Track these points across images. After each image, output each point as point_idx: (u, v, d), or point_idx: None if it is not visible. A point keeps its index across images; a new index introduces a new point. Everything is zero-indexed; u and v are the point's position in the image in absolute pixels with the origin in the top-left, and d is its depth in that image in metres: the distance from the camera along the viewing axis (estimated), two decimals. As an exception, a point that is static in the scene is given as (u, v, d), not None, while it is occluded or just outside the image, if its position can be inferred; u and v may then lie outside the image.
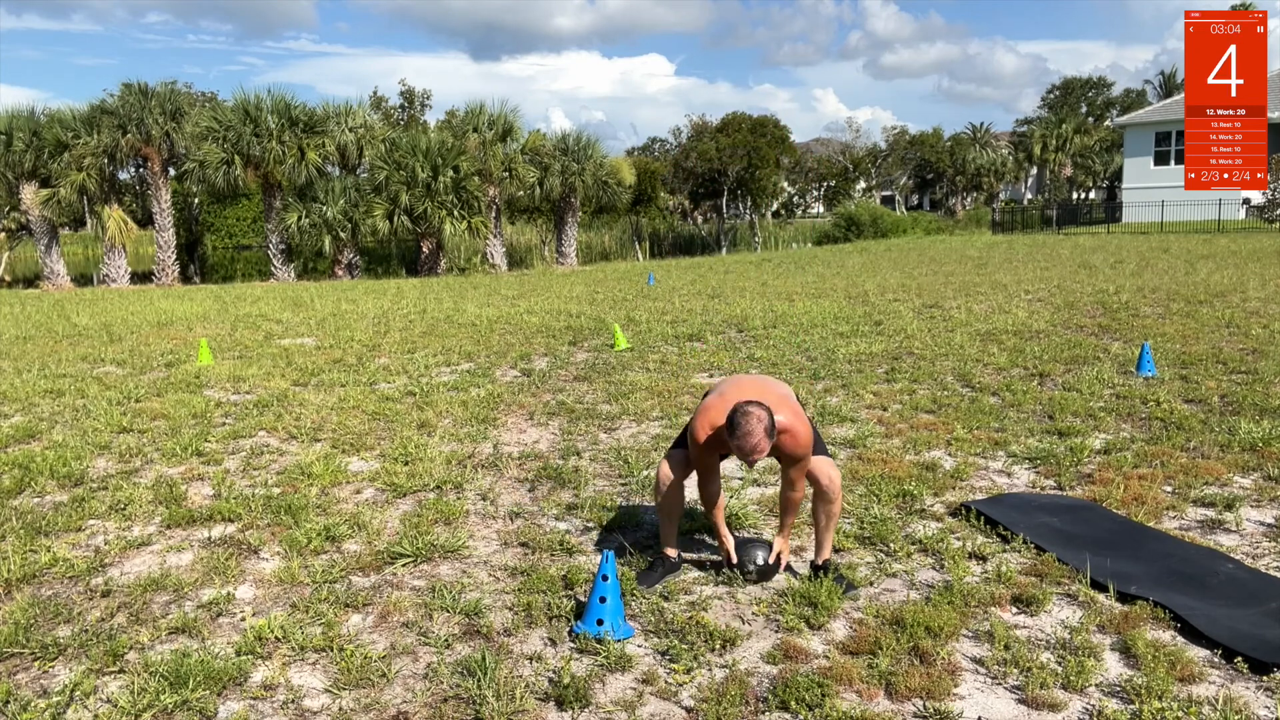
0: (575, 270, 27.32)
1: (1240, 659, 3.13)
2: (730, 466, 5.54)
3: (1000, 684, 3.07)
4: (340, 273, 26.58)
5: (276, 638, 3.47)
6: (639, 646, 3.39)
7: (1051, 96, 68.93)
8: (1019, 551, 4.15)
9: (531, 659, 3.32)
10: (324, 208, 25.65)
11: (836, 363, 8.71)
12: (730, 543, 3.93)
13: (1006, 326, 10.54)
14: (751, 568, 3.87)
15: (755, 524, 4.60)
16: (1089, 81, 68.37)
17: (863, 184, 64.20)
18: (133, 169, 28.25)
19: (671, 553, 3.99)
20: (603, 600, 3.39)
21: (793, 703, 2.94)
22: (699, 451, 3.77)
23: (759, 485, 5.22)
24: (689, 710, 2.98)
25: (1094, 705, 2.93)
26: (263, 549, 4.42)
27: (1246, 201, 33.34)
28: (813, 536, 4.18)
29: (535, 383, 8.33)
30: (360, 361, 9.71)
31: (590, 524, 4.67)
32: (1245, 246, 22.36)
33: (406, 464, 5.73)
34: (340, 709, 3.03)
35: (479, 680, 3.09)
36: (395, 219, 25.78)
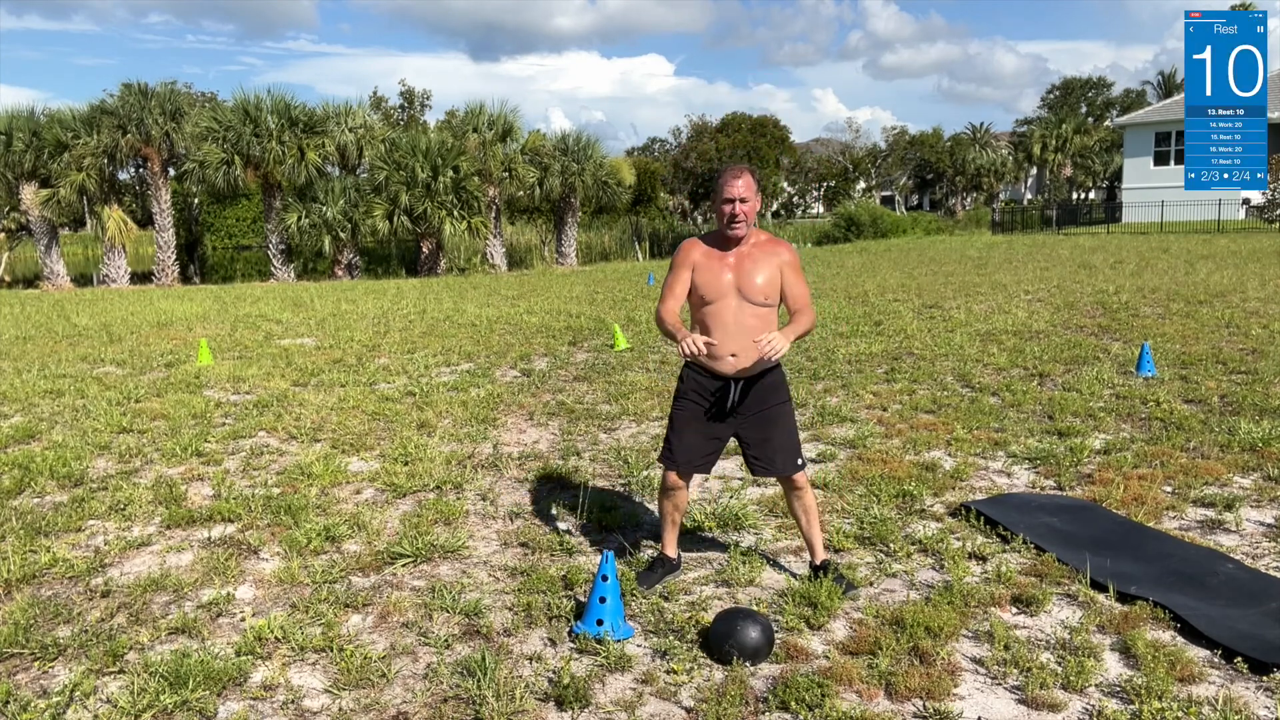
0: (575, 270, 27.33)
1: (1240, 659, 3.13)
2: (730, 466, 5.55)
3: (1000, 684, 3.07)
4: (340, 273, 26.58)
5: (276, 638, 3.47)
6: (639, 646, 3.39)
7: (1051, 96, 68.96)
8: (1019, 551, 4.15)
9: (531, 659, 3.32)
10: (324, 208, 25.65)
11: (836, 363, 8.71)
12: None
13: (1006, 327, 10.54)
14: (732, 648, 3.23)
15: (755, 524, 4.60)
16: (1089, 82, 68.39)
17: (862, 184, 64.22)
18: (133, 169, 28.23)
19: (671, 553, 3.99)
20: (603, 600, 3.39)
21: (793, 703, 2.94)
22: (675, 281, 3.68)
23: (759, 486, 5.22)
24: (689, 710, 2.98)
25: (1094, 705, 2.93)
26: (263, 549, 4.42)
27: (1246, 201, 33.34)
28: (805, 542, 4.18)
29: (535, 383, 8.33)
30: (360, 362, 9.71)
31: (590, 524, 4.67)
32: (1245, 246, 22.36)
33: (406, 464, 5.73)
34: (340, 709, 3.03)
35: (479, 680, 3.09)
36: (395, 219, 25.78)
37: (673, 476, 3.86)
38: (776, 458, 3.76)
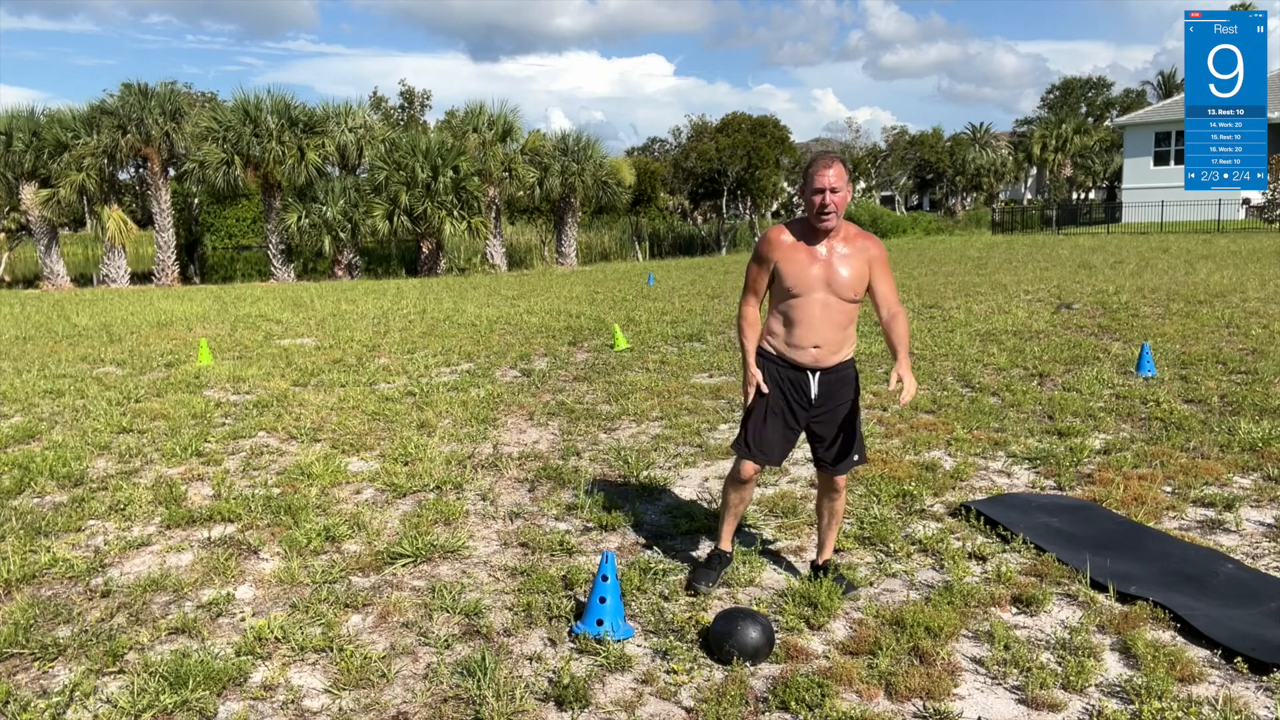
0: (575, 270, 27.33)
1: (1240, 659, 3.13)
2: (727, 465, 5.54)
3: (1000, 684, 3.07)
4: (340, 273, 26.59)
5: (276, 638, 3.47)
6: (639, 646, 3.39)
7: (1051, 97, 68.89)
8: (1019, 551, 4.15)
9: (531, 659, 3.32)
10: (324, 208, 25.66)
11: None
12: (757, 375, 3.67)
13: (1006, 326, 10.54)
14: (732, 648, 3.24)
15: (755, 524, 4.60)
16: (1089, 82, 68.33)
17: (863, 184, 64.20)
18: (133, 169, 28.27)
19: (728, 546, 3.97)
20: (602, 600, 3.39)
21: (793, 703, 2.94)
22: (760, 272, 3.64)
23: (759, 486, 5.22)
24: (689, 710, 2.98)
25: (1094, 705, 2.93)
26: (263, 549, 4.42)
27: (1246, 201, 33.35)
28: (813, 536, 4.18)
29: (535, 383, 8.33)
30: (360, 362, 9.71)
31: (590, 524, 4.67)
32: (1245, 246, 22.36)
33: (406, 464, 5.73)
34: (340, 709, 3.03)
35: (479, 680, 3.09)
36: (395, 219, 25.79)
37: (749, 467, 3.75)
38: (841, 454, 3.70)
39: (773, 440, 3.69)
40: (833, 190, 3.40)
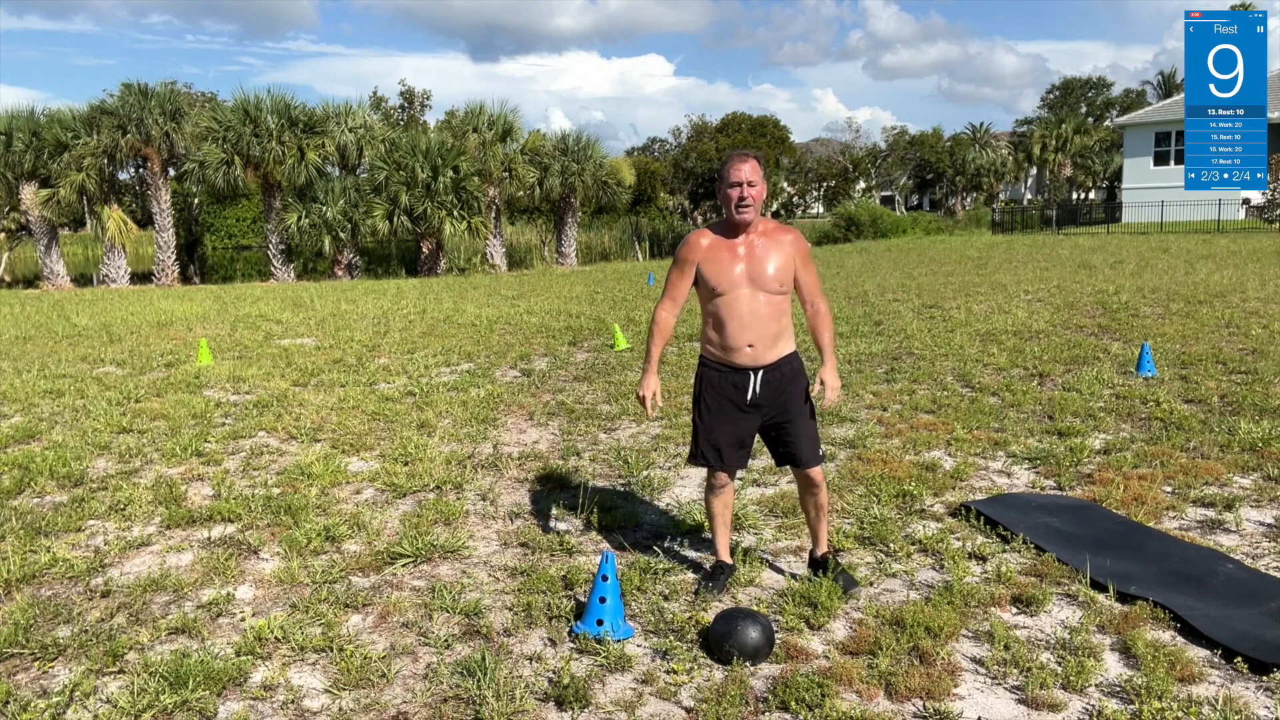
0: (575, 270, 27.32)
1: (1240, 659, 3.13)
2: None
3: (1000, 684, 3.07)
4: (340, 273, 26.58)
5: (276, 638, 3.47)
6: (639, 646, 3.39)
7: (1051, 97, 68.88)
8: (1019, 551, 4.15)
9: (531, 659, 3.32)
10: (324, 208, 25.65)
11: (836, 362, 8.71)
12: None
13: (1006, 326, 10.54)
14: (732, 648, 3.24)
15: (755, 524, 4.60)
16: (1089, 82, 68.32)
17: (862, 184, 64.21)
18: (132, 169, 28.25)
19: (728, 558, 3.96)
20: (602, 600, 3.39)
21: (793, 703, 2.94)
22: (680, 276, 3.68)
23: (759, 486, 5.22)
24: (689, 710, 2.98)
25: (1094, 705, 2.93)
26: (263, 549, 4.42)
27: (1246, 201, 33.34)
28: (810, 534, 4.18)
29: (535, 383, 8.33)
30: (360, 362, 9.71)
31: (590, 524, 4.67)
32: (1245, 246, 22.35)
33: (406, 464, 5.74)
34: (340, 709, 3.03)
35: (479, 680, 3.09)
36: (395, 219, 25.78)
37: (720, 475, 3.78)
38: (800, 448, 3.70)
39: (723, 447, 3.72)
40: (749, 184, 3.49)
